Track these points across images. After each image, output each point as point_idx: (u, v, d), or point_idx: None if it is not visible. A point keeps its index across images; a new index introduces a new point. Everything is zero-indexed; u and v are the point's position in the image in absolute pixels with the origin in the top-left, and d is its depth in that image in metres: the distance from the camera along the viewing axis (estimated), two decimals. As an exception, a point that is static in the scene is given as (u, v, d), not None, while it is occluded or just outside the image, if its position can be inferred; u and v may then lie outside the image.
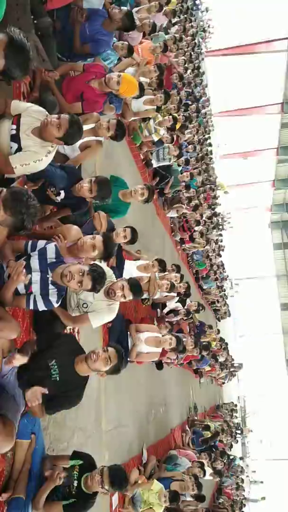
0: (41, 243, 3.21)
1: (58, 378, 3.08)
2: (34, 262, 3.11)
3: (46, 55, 3.67)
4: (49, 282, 3.09)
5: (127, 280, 4.27)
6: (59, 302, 3.21)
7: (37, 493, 3.19)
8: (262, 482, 34.46)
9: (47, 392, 2.92)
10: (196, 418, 12.01)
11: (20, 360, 2.85)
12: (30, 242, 3.19)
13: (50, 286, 3.09)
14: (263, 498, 30.61)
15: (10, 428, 2.76)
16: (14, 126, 3.09)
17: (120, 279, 4.31)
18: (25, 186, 3.43)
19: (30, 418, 3.27)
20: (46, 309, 3.15)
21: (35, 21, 3.66)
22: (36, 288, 3.07)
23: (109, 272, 4.32)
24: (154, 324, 6.47)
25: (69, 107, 4.30)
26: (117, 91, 4.59)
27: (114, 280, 4.30)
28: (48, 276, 3.09)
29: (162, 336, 6.26)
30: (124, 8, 4.86)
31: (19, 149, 3.08)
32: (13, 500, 3.02)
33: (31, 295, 3.06)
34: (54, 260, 3.15)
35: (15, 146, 3.08)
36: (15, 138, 3.08)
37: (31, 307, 3.10)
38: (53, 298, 3.11)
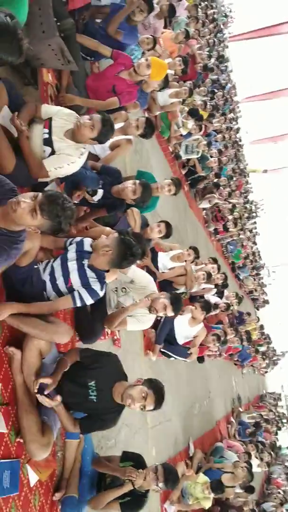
0: (78, 238, 3.25)
1: (95, 400, 3.04)
2: (71, 253, 3.12)
3: (71, 56, 3.66)
4: (86, 267, 3.06)
5: (169, 298, 4.23)
6: (104, 290, 3.16)
7: (104, 492, 3.29)
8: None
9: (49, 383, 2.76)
10: (240, 409, 11.92)
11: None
12: (69, 239, 3.22)
13: (88, 272, 3.05)
14: None
15: (48, 438, 2.79)
16: (46, 130, 3.10)
17: (162, 295, 4.27)
18: (73, 196, 3.56)
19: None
20: (93, 301, 3.10)
21: (58, 23, 3.65)
22: (74, 278, 3.03)
23: (149, 278, 4.34)
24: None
25: (105, 105, 4.28)
26: (149, 76, 4.54)
27: (155, 290, 4.32)
28: (83, 262, 3.07)
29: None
30: None
31: (53, 152, 3.09)
32: (67, 499, 3.07)
33: (75, 292, 3.03)
34: (90, 251, 3.15)
35: (48, 150, 3.09)
36: (48, 141, 3.08)
37: (79, 303, 3.04)
38: (96, 286, 3.06)
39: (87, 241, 3.19)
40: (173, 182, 4.88)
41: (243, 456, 7.94)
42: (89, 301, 3.07)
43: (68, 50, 3.61)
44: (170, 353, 6.06)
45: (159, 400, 3.08)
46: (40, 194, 2.24)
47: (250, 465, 7.47)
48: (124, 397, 3.00)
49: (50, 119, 3.15)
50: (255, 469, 8.64)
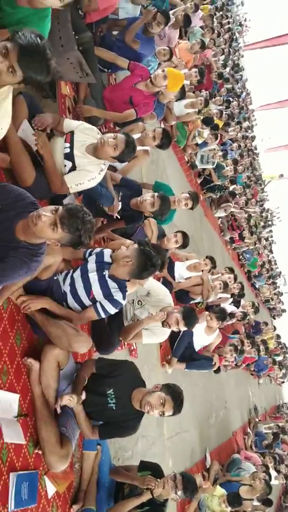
0: (98, 249, 3.28)
1: (114, 407, 3.04)
2: (91, 264, 3.14)
3: (89, 69, 3.70)
4: (107, 277, 3.08)
5: (181, 312, 4.23)
6: (126, 298, 3.18)
7: (122, 501, 3.29)
8: None
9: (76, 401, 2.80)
10: (257, 419, 11.78)
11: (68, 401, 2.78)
12: (89, 250, 3.25)
13: (110, 282, 3.06)
14: None
15: (67, 450, 2.79)
16: (68, 144, 3.13)
17: (174, 309, 4.27)
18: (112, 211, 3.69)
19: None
20: (117, 310, 3.12)
21: (76, 37, 3.70)
22: (96, 290, 3.05)
23: (165, 291, 4.35)
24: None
25: (123, 117, 4.33)
26: (165, 87, 4.56)
27: (171, 303, 4.34)
28: (104, 273, 3.09)
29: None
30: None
31: (73, 167, 3.11)
32: (85, 511, 3.06)
33: (97, 304, 3.05)
34: (110, 262, 3.17)
35: (69, 164, 3.11)
36: (69, 156, 3.11)
37: (102, 314, 3.07)
38: (118, 296, 3.07)
39: (107, 252, 3.21)
40: (190, 196, 4.87)
41: (260, 469, 7.81)
42: (112, 311, 3.09)
43: (86, 63, 3.66)
44: (195, 370, 6.11)
45: (177, 405, 3.05)
46: (60, 207, 2.26)
47: (269, 476, 7.36)
48: (143, 403, 2.99)
49: (72, 133, 3.17)
50: (272, 481, 8.50)
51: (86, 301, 3.06)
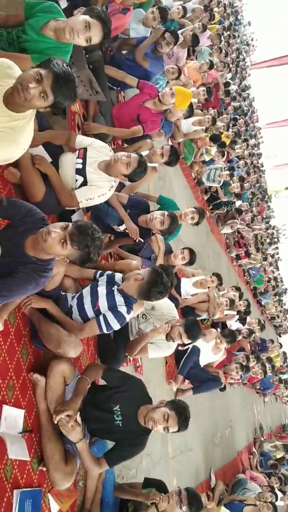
0: (109, 272, 3.30)
1: (120, 425, 3.00)
2: (102, 282, 3.16)
3: (99, 87, 3.77)
4: (115, 291, 3.08)
5: (183, 325, 4.20)
6: (130, 314, 3.16)
7: None
8: None
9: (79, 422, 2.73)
10: (263, 439, 11.61)
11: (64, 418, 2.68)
12: (99, 271, 3.28)
13: (117, 296, 3.06)
14: None
15: (71, 467, 2.76)
16: (80, 160, 3.17)
17: (177, 322, 4.24)
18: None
19: (100, 447, 3.26)
20: (120, 325, 3.08)
21: (87, 56, 3.77)
22: (102, 302, 3.05)
23: (170, 304, 4.36)
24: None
25: (130, 133, 4.38)
26: (173, 105, 4.62)
27: (176, 316, 4.34)
28: (113, 288, 3.10)
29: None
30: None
31: (85, 182, 3.15)
32: (88, 531, 3.02)
33: (100, 317, 3.02)
34: (120, 284, 3.18)
35: (80, 179, 3.15)
36: (81, 171, 3.15)
37: (104, 328, 3.03)
38: (122, 309, 3.05)
39: (118, 275, 3.25)
40: (197, 211, 4.88)
41: (266, 489, 7.68)
42: (115, 324, 3.04)
43: (96, 81, 3.72)
44: (204, 393, 6.12)
45: (182, 420, 2.99)
46: (70, 224, 2.29)
47: (276, 496, 7.24)
48: (146, 419, 2.95)
49: (85, 149, 3.22)
50: (277, 502, 8.34)
51: (90, 313, 3.05)
